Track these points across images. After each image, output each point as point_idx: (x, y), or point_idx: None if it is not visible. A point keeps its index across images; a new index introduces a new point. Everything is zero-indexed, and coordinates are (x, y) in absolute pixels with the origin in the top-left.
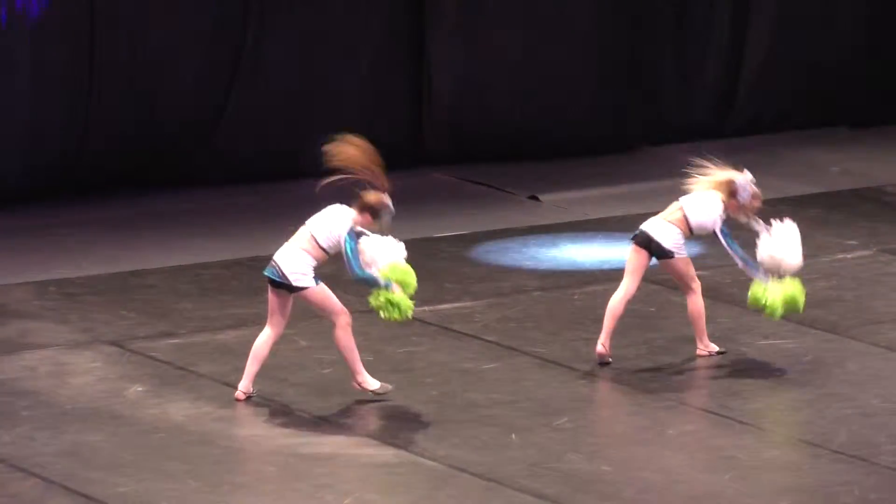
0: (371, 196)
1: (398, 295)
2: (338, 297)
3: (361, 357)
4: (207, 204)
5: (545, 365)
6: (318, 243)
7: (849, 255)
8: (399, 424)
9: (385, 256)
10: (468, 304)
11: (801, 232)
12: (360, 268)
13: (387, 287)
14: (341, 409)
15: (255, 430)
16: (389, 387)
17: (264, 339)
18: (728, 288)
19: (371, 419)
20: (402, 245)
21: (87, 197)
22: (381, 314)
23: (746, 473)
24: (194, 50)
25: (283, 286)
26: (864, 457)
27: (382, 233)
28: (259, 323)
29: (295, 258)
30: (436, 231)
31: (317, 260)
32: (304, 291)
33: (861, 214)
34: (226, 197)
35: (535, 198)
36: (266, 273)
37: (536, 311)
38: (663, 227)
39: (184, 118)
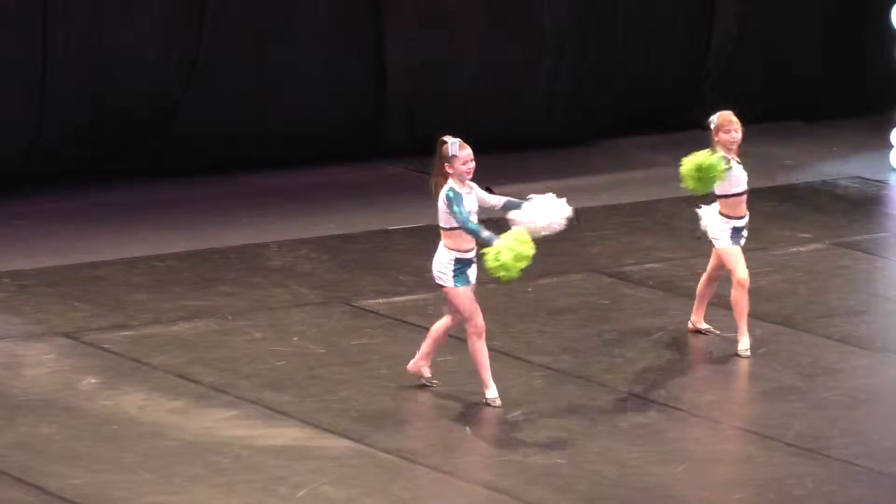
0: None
1: (505, 255)
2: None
3: (314, 349)
4: (162, 195)
5: (499, 357)
6: (443, 228)
7: (802, 249)
8: (353, 417)
9: (545, 215)
10: (423, 296)
11: (754, 225)
12: (468, 219)
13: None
14: (295, 402)
15: (208, 423)
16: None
17: (440, 323)
18: (682, 281)
19: (325, 412)
20: (563, 201)
21: (42, 188)
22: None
23: (699, 466)
24: (150, 41)
25: None
26: (817, 449)
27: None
28: (213, 314)
29: (438, 256)
30: (391, 223)
31: (456, 248)
32: (444, 290)
33: (814, 208)
34: (181, 188)
35: (489, 190)
36: None
37: (491, 304)
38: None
39: (139, 110)
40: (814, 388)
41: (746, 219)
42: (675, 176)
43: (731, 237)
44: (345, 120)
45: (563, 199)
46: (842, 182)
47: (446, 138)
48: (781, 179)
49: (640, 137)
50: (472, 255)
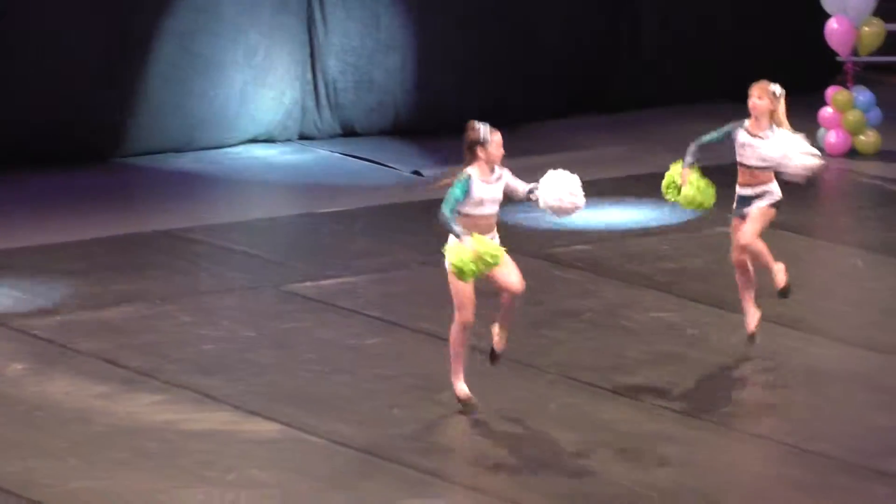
0: (466, 136)
1: (466, 254)
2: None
3: (243, 333)
4: (92, 180)
5: (428, 340)
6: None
7: (729, 229)
8: (281, 400)
9: (555, 190)
10: (351, 279)
11: (681, 208)
12: (450, 210)
13: (459, 238)
14: (223, 386)
15: (136, 408)
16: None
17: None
18: (610, 262)
19: (254, 395)
20: (575, 177)
21: None
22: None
23: (627, 445)
24: (73, 27)
25: None
26: (746, 428)
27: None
28: (142, 299)
29: (449, 244)
30: (319, 207)
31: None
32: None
33: None
34: (112, 173)
35: (417, 173)
36: None
37: (420, 286)
38: None
39: (66, 95)
40: (744, 367)
41: (761, 189)
42: (598, 157)
43: (735, 207)
44: (272, 104)
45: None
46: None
47: (476, 123)
48: (710, 160)
49: (570, 119)
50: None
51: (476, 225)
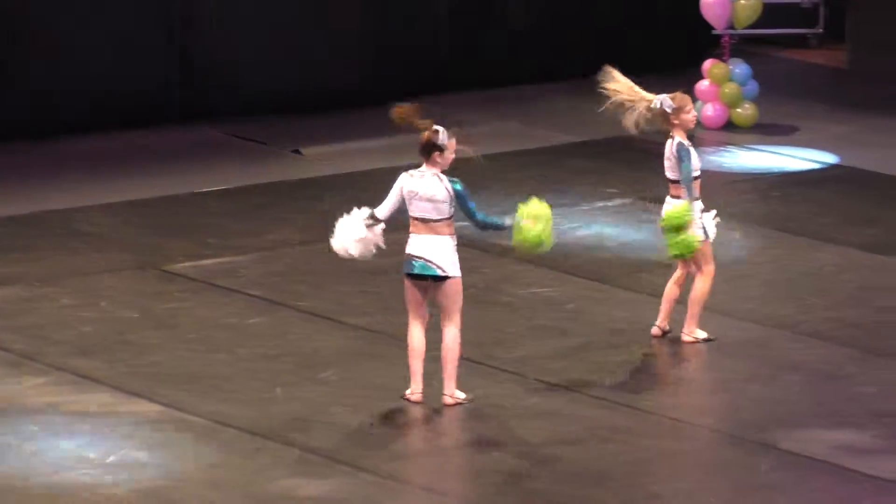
0: (422, 137)
1: (527, 230)
2: None
3: (124, 314)
4: None
5: (310, 318)
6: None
7: (610, 203)
8: (163, 381)
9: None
10: (232, 258)
11: (563, 181)
12: (481, 212)
13: (517, 224)
14: (104, 367)
15: (18, 390)
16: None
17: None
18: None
19: (135, 376)
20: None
21: None
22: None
23: (510, 420)
24: None
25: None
26: (627, 402)
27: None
28: (22, 281)
29: (441, 248)
30: (200, 186)
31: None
32: (448, 281)
33: (622, 162)
34: None
35: (297, 151)
36: None
37: (301, 265)
38: None
39: None
40: (623, 341)
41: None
42: (488, 133)
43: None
44: (154, 84)
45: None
46: (648, 136)
47: (437, 127)
48: (589, 135)
49: (452, 95)
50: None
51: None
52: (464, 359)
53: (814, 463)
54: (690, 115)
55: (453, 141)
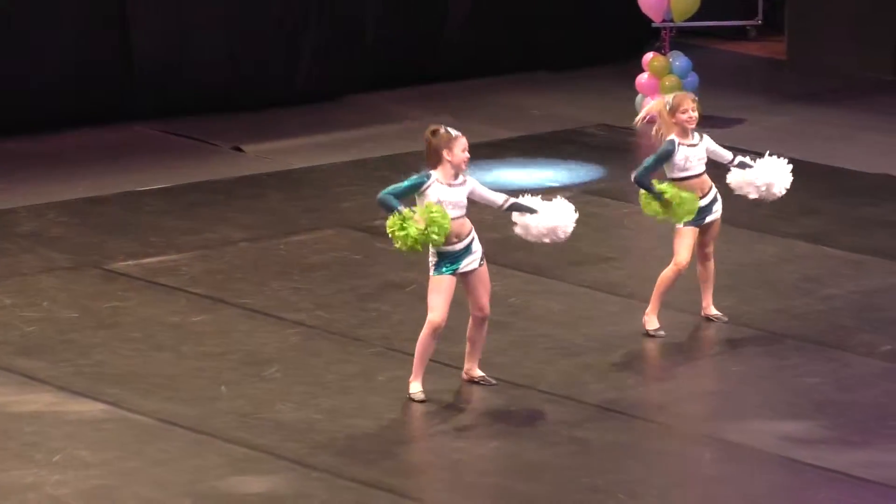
0: (429, 140)
1: (411, 223)
2: None
3: (66, 314)
4: None
5: (253, 316)
6: None
7: (551, 197)
8: (107, 380)
9: (555, 219)
10: (174, 256)
11: (503, 175)
12: (392, 194)
13: (400, 213)
14: (47, 367)
15: None
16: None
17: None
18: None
19: (78, 376)
20: (571, 207)
21: None
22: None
23: (455, 416)
24: None
25: None
26: (572, 396)
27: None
28: None
29: None
30: (139, 185)
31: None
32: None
33: (563, 156)
34: None
35: (238, 149)
36: None
37: (243, 263)
38: None
39: None
40: (566, 334)
41: (711, 195)
42: (418, 128)
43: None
44: (90, 82)
45: (571, 206)
46: (589, 130)
47: (441, 128)
48: (529, 129)
49: (389, 91)
50: (459, 246)
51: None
52: (407, 354)
53: (758, 454)
54: (685, 116)
55: (462, 140)
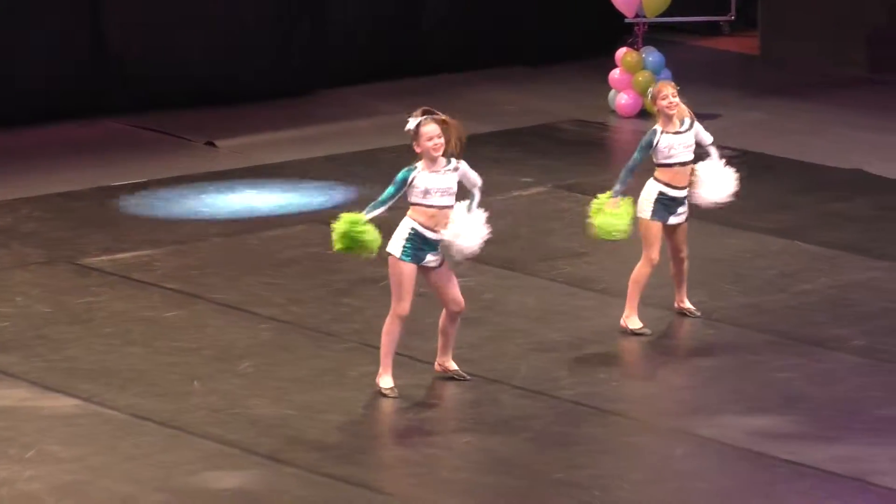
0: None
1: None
2: None
3: (39, 309)
4: None
5: (226, 311)
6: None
7: (524, 193)
8: (79, 375)
9: (465, 231)
10: (147, 252)
11: (477, 170)
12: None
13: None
14: (20, 363)
15: None
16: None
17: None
18: None
19: (51, 371)
20: (483, 230)
21: None
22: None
23: (428, 411)
24: None
25: None
26: (545, 391)
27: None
28: None
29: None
30: (113, 179)
31: (419, 222)
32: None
33: (536, 151)
34: None
35: (211, 144)
36: None
37: (216, 258)
38: None
39: None
40: (540, 330)
41: (685, 192)
42: (393, 123)
43: (656, 211)
44: (62, 77)
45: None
46: (563, 125)
47: (410, 118)
48: (504, 124)
49: (366, 86)
50: (435, 236)
51: (428, 215)
52: (378, 349)
53: (730, 449)
54: (665, 102)
55: (428, 128)
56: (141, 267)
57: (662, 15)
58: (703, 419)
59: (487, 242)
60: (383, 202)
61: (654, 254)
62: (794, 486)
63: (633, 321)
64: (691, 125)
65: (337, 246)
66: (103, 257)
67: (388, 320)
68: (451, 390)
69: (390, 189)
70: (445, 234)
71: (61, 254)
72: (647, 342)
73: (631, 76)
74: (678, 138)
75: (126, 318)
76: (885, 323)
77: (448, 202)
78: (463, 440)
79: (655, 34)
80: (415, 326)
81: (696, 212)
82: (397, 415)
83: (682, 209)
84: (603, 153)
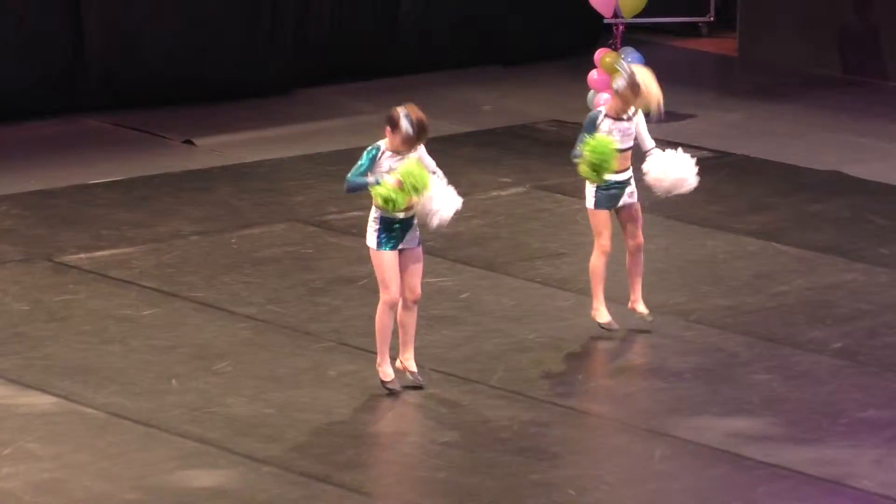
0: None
1: (390, 188)
2: None
3: (17, 307)
4: None
5: (204, 309)
6: None
7: (503, 193)
8: (57, 373)
9: (442, 203)
10: (125, 250)
11: (456, 170)
12: (351, 174)
13: (377, 183)
14: None
15: None
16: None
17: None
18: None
19: (28, 368)
20: (458, 200)
21: None
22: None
23: (407, 411)
24: None
25: None
26: (522, 391)
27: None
28: None
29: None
30: (90, 177)
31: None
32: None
33: (514, 151)
34: None
35: (189, 142)
36: None
37: (194, 256)
38: None
39: None
40: (517, 330)
41: (625, 176)
42: (368, 123)
43: (599, 200)
44: (40, 75)
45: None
46: (540, 125)
47: (399, 110)
48: (480, 124)
49: (340, 85)
50: (402, 215)
51: None
52: (357, 349)
53: (709, 451)
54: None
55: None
56: (119, 265)
57: (641, 15)
58: (682, 420)
59: (465, 242)
60: (362, 172)
61: (604, 241)
62: (772, 487)
63: (600, 314)
64: (635, 115)
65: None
66: (81, 255)
67: (378, 310)
68: (431, 390)
69: (361, 166)
70: (420, 204)
71: (39, 251)
72: (625, 342)
73: (609, 77)
74: (620, 125)
75: (103, 315)
76: (863, 325)
77: None
78: (441, 440)
79: (635, 35)
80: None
81: (675, 213)
82: (375, 414)
83: (629, 190)
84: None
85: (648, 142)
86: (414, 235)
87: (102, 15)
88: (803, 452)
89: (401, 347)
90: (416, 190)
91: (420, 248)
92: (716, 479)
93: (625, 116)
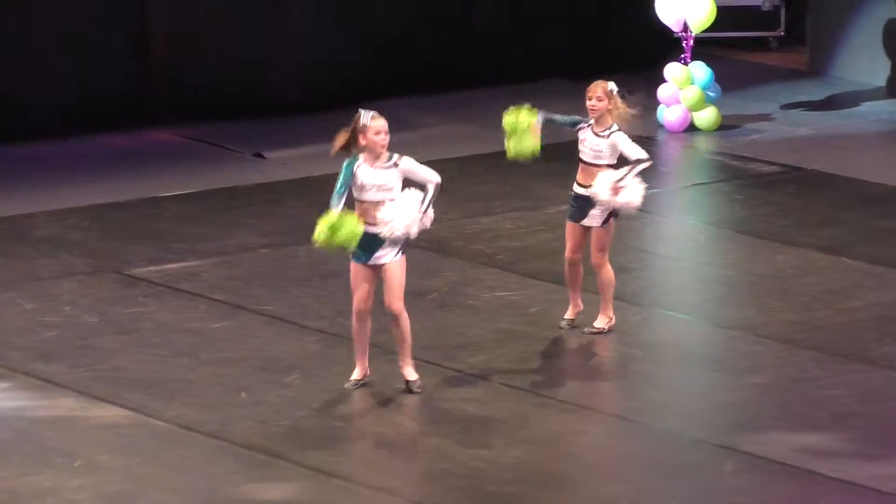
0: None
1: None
2: None
3: (86, 319)
4: None
5: (273, 322)
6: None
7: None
8: (128, 385)
9: (401, 214)
10: (195, 263)
11: (525, 184)
12: (335, 190)
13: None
14: (67, 372)
15: None
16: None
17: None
18: (453, 242)
19: (99, 381)
20: (414, 216)
21: None
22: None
23: (476, 425)
24: None
25: None
26: (591, 406)
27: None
28: None
29: None
30: (160, 191)
31: (359, 215)
32: None
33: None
34: None
35: (259, 155)
36: None
37: (263, 269)
38: None
39: None
40: (587, 345)
41: (587, 192)
42: (441, 136)
43: (567, 210)
44: (107, 88)
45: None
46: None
47: (360, 111)
48: (548, 139)
49: (406, 98)
50: (372, 230)
51: (363, 210)
52: (427, 363)
53: (778, 466)
54: (589, 103)
55: (377, 123)
56: (187, 278)
57: (711, 30)
58: (752, 435)
59: (533, 256)
60: (340, 192)
61: (567, 252)
62: (841, 502)
63: (568, 312)
64: (611, 134)
65: (321, 238)
66: (150, 268)
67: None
68: (499, 405)
69: (340, 178)
70: (379, 215)
71: (108, 264)
72: (694, 358)
73: (679, 91)
74: (589, 136)
75: (172, 328)
76: None
77: (382, 197)
78: (511, 454)
79: (704, 49)
80: (460, 340)
81: (743, 227)
82: (440, 428)
83: (594, 212)
84: (650, 167)
85: (634, 154)
86: (385, 252)
87: (171, 25)
88: (874, 468)
89: (398, 355)
90: (340, 240)
91: (395, 263)
92: (786, 494)
93: (601, 132)
